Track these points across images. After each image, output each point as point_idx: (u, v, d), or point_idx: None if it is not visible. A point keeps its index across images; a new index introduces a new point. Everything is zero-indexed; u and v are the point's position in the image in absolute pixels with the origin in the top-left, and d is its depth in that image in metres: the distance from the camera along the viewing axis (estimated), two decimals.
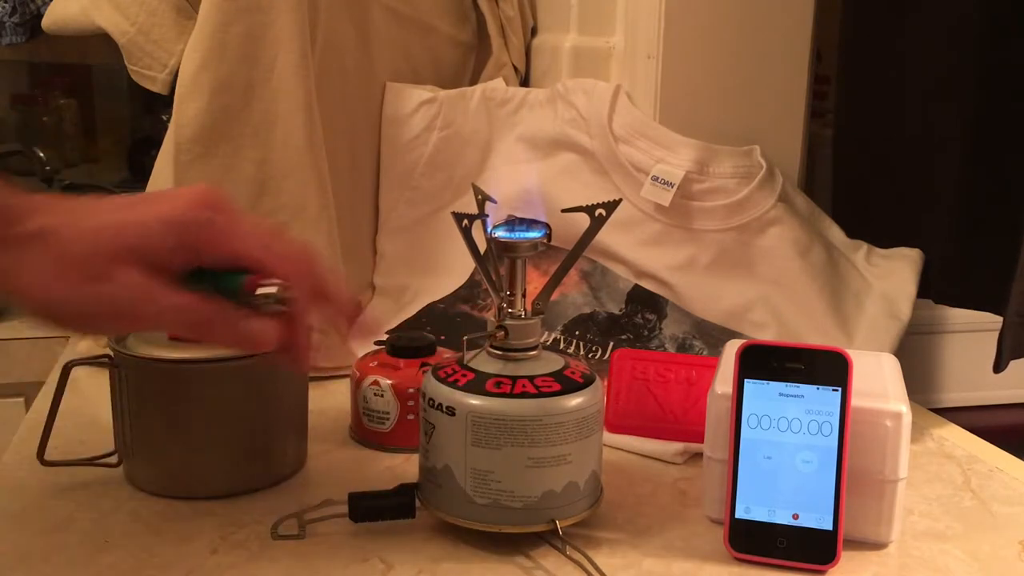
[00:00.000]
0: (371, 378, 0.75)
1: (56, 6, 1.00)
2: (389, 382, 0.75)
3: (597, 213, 0.61)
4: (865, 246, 0.96)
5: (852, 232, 0.98)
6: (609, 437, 0.75)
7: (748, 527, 0.61)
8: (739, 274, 0.94)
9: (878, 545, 0.63)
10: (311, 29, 0.91)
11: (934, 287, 0.93)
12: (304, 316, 0.56)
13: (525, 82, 1.14)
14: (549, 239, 0.61)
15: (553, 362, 0.62)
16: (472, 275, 0.97)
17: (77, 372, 0.69)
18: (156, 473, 0.68)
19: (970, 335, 1.07)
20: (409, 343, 0.77)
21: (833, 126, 1.03)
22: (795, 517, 0.60)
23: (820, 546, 0.60)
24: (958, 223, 0.91)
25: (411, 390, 0.74)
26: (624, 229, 0.95)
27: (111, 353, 0.68)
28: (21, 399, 1.04)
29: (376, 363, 0.76)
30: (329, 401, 0.82)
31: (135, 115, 1.13)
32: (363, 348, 0.80)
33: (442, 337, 0.88)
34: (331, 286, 0.57)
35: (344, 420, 0.79)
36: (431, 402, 0.61)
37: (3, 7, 1.08)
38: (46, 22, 1.01)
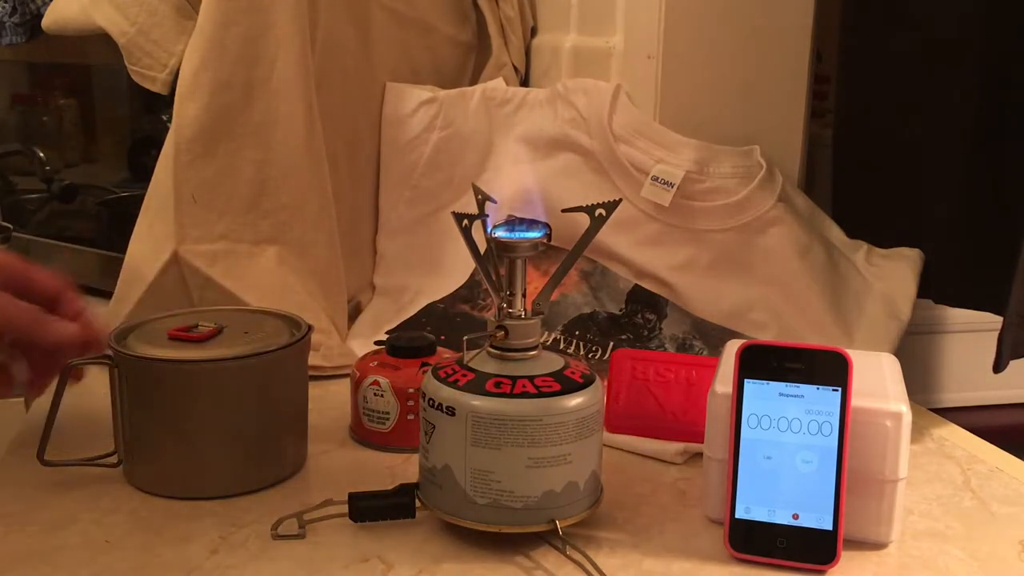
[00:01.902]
0: (371, 378, 0.75)
1: (56, 6, 1.00)
2: (389, 382, 0.75)
3: (597, 213, 0.61)
4: (865, 246, 0.96)
5: (852, 232, 0.98)
6: (609, 437, 0.75)
7: (748, 527, 0.61)
8: (739, 274, 0.94)
9: (878, 545, 0.63)
10: (311, 29, 0.91)
11: (934, 287, 0.93)
12: None
13: (525, 82, 1.14)
14: (549, 239, 0.61)
15: (553, 362, 0.62)
16: (472, 275, 0.97)
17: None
18: (156, 473, 0.68)
19: (970, 335, 1.07)
20: (409, 343, 0.77)
21: (833, 126, 1.03)
22: (795, 517, 0.60)
23: (820, 546, 0.60)
24: (958, 223, 0.91)
25: (411, 390, 0.74)
26: (624, 229, 0.95)
27: (111, 353, 0.68)
28: (21, 399, 1.04)
29: (376, 363, 0.76)
30: (329, 401, 0.82)
31: (135, 115, 1.13)
32: (363, 348, 0.80)
33: (442, 337, 0.88)
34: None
35: (344, 420, 0.79)
36: (431, 402, 0.61)
37: (3, 7, 1.08)
38: (46, 22, 1.01)
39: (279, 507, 0.65)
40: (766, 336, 0.90)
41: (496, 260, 0.62)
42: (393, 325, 0.95)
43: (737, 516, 0.61)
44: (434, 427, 0.61)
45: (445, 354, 0.77)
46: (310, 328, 0.71)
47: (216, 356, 0.66)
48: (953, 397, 1.08)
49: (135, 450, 0.68)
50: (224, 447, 0.68)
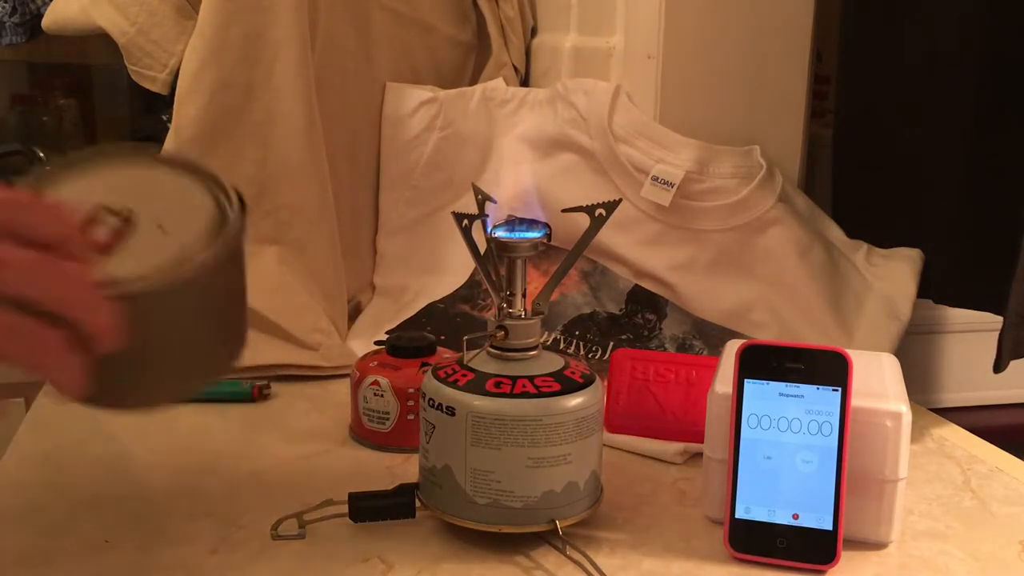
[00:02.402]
0: (371, 378, 0.75)
1: (56, 6, 1.00)
2: (389, 382, 0.75)
3: (597, 213, 0.61)
4: (865, 246, 0.96)
5: (852, 232, 0.98)
6: (609, 437, 0.75)
7: (748, 527, 0.61)
8: (739, 274, 0.94)
9: (878, 545, 0.63)
10: (311, 29, 0.91)
11: (934, 287, 0.94)
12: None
13: (525, 82, 1.14)
14: (549, 239, 0.61)
15: (553, 362, 0.62)
16: (472, 275, 0.97)
17: None
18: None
19: (970, 335, 1.07)
20: (409, 343, 0.77)
21: (833, 126, 1.03)
22: (795, 517, 0.60)
23: (820, 546, 0.60)
24: (958, 223, 0.91)
25: (411, 390, 0.74)
26: (624, 229, 0.95)
27: None
28: (21, 399, 1.04)
29: (376, 363, 0.76)
30: (329, 401, 0.82)
31: (135, 115, 1.14)
32: (363, 348, 0.80)
33: (442, 337, 0.88)
34: None
35: (344, 420, 0.79)
36: (431, 402, 0.61)
37: (3, 7, 1.09)
38: (46, 22, 1.01)
39: (279, 507, 0.65)
40: (766, 336, 0.90)
41: (496, 260, 0.62)
42: (393, 325, 0.95)
43: (737, 516, 0.61)
44: (434, 427, 0.61)
45: (445, 354, 0.77)
46: (242, 203, 0.55)
47: (131, 286, 0.47)
48: (953, 397, 1.08)
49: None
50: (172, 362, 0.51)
